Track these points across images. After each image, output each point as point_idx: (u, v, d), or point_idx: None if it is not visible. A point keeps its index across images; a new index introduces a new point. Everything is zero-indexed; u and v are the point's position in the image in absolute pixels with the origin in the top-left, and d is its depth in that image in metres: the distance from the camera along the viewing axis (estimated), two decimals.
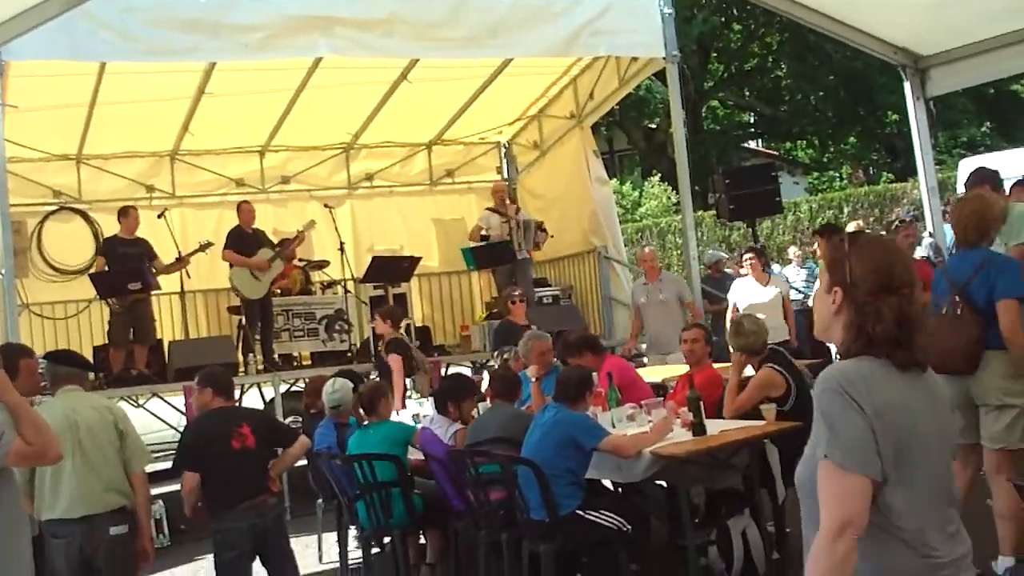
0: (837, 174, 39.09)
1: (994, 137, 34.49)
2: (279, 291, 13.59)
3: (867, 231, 4.15)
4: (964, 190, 8.34)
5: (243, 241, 13.18)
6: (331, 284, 14.75)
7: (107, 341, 12.93)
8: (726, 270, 16.25)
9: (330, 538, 9.60)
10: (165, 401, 12.93)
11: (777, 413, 7.41)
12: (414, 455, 8.21)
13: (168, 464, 9.08)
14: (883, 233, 17.06)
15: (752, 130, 41.12)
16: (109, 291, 12.41)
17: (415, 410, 9.81)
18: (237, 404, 8.35)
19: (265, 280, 13.07)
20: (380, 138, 16.24)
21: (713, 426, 7.30)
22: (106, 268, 12.65)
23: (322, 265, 14.59)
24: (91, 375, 11.83)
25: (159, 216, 13.45)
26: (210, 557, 7.20)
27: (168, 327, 14.03)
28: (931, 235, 12.24)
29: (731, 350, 7.99)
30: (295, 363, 13.84)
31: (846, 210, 26.52)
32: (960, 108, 32.00)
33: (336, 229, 13.98)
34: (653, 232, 27.81)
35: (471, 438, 7.79)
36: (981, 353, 6.37)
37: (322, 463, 8.68)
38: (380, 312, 11.77)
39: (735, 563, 7.12)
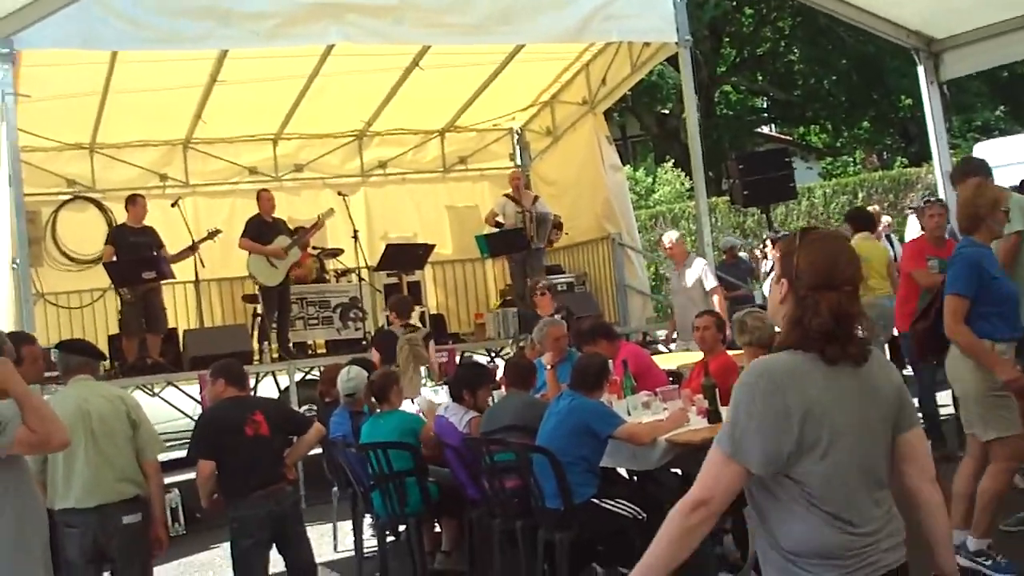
0: (851, 159, 38.99)
1: (1008, 120, 34.37)
2: (294, 279, 13.57)
3: (821, 228, 4.17)
4: (952, 182, 8.23)
5: (261, 229, 13.19)
6: (345, 272, 14.75)
7: (115, 332, 12.96)
8: (741, 255, 16.20)
9: (345, 526, 9.59)
10: (180, 390, 12.93)
11: None
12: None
13: (183, 453, 9.05)
14: (887, 219, 17.00)
15: (765, 115, 41.00)
16: (124, 280, 12.42)
17: (430, 397, 9.79)
18: (251, 394, 8.33)
19: (282, 267, 13.08)
20: (393, 125, 16.23)
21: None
22: (114, 257, 12.63)
23: (336, 253, 14.60)
24: (105, 364, 11.93)
25: (173, 205, 13.48)
26: (226, 545, 7.21)
27: (183, 316, 14.06)
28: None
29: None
30: (309, 351, 13.86)
31: (860, 195, 26.47)
32: (974, 91, 31.87)
33: (350, 217, 13.95)
34: (667, 218, 27.72)
35: (485, 426, 7.77)
36: (940, 344, 6.54)
37: (337, 451, 8.69)
38: (388, 304, 11.73)
39: (750, 551, 7.10)
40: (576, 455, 6.83)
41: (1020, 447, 6.31)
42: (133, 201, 12.95)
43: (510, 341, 13.89)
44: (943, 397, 10.04)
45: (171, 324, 13.65)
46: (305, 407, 12.18)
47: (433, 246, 14.61)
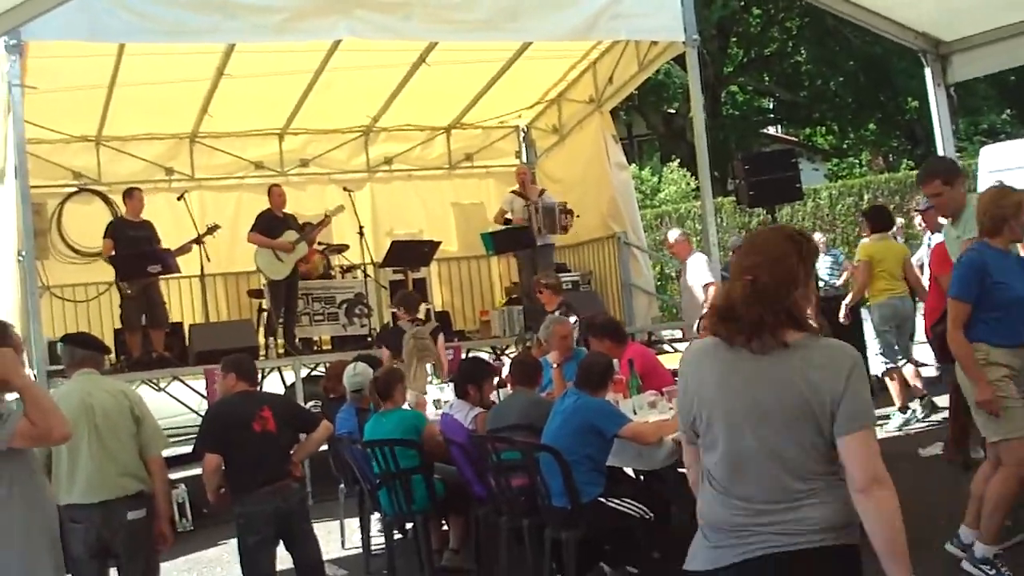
0: (857, 160, 38.98)
1: (1015, 124, 34.37)
2: (301, 275, 13.56)
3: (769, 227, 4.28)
4: (919, 184, 7.97)
5: (271, 224, 13.19)
6: (351, 268, 14.73)
7: (120, 326, 12.96)
8: None
9: (352, 523, 9.59)
10: (186, 385, 12.92)
11: None
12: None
13: (189, 448, 9.06)
14: (900, 220, 16.98)
15: (771, 115, 41.02)
16: (129, 274, 12.40)
17: (436, 395, 9.77)
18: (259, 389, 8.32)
19: (288, 262, 13.07)
20: (399, 121, 16.21)
21: None
22: (113, 251, 12.61)
23: (342, 249, 14.57)
24: (111, 358, 11.94)
25: (178, 198, 13.45)
26: (234, 541, 7.19)
27: (188, 310, 14.06)
28: None
29: None
30: (315, 347, 13.86)
31: (866, 197, 26.46)
32: (981, 94, 31.89)
33: (356, 213, 13.93)
34: (672, 218, 27.72)
35: (491, 424, 7.76)
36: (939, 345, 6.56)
37: (344, 448, 8.67)
38: (394, 300, 11.71)
39: None
40: (582, 454, 6.81)
41: None
42: (130, 195, 12.94)
43: (514, 340, 13.89)
44: None
45: (177, 319, 13.69)
46: (310, 403, 12.17)
47: (439, 243, 14.59)
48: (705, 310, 9.40)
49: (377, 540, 8.98)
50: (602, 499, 6.83)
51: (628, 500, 6.90)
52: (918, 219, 14.51)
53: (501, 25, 11.57)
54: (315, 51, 12.85)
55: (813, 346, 3.43)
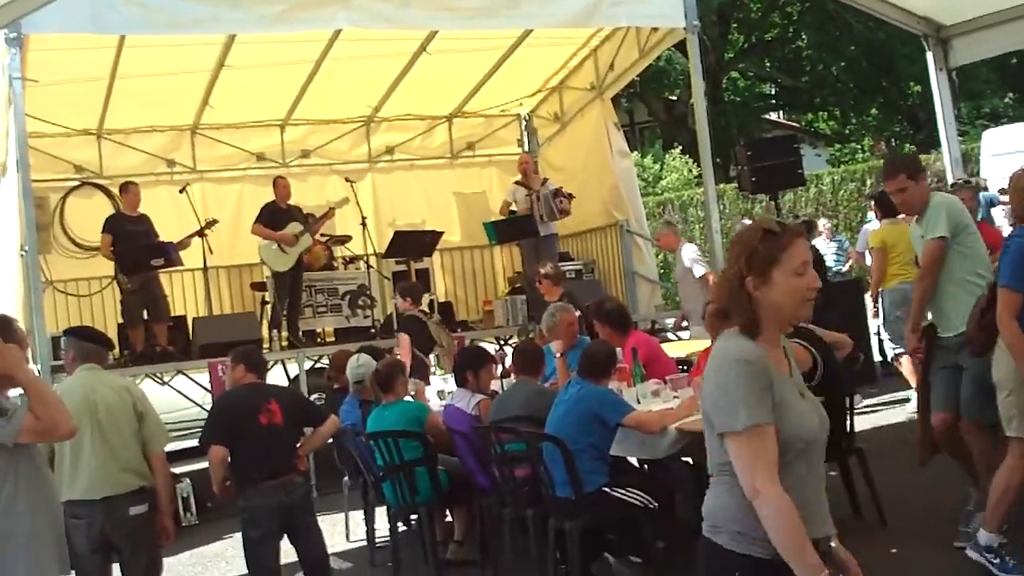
0: (859, 146, 38.91)
1: (1017, 107, 34.30)
2: (304, 266, 13.56)
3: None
4: (880, 182, 7.81)
5: (275, 216, 13.21)
6: (353, 259, 14.73)
7: (121, 321, 12.96)
8: None
9: (357, 516, 9.60)
10: (190, 378, 12.93)
11: None
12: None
13: (194, 442, 9.05)
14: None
15: (773, 101, 40.95)
16: (132, 267, 12.39)
17: (440, 386, 9.77)
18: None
19: (292, 254, 13.07)
20: (400, 111, 16.17)
21: None
22: (112, 247, 12.59)
23: (344, 240, 14.57)
24: (115, 352, 11.93)
25: (180, 191, 13.44)
26: (238, 535, 7.19)
27: (192, 303, 14.06)
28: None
29: None
30: (318, 339, 13.85)
31: (869, 182, 26.40)
32: (983, 78, 31.84)
33: (358, 204, 13.91)
34: (675, 205, 27.70)
35: (494, 415, 7.76)
36: (984, 335, 6.41)
37: (348, 441, 8.67)
38: (399, 289, 11.73)
39: None
40: (585, 443, 6.82)
41: None
42: (126, 189, 12.93)
43: (517, 329, 13.87)
44: None
45: (180, 312, 13.69)
46: (314, 395, 12.17)
47: (441, 233, 14.58)
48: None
49: (381, 532, 8.97)
50: (606, 488, 6.84)
51: (632, 489, 6.89)
52: None
53: (500, 12, 11.53)
54: (316, 41, 12.83)
55: (719, 342, 3.48)
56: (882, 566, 6.66)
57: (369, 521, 9.02)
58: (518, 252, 15.30)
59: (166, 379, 13.10)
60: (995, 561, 6.28)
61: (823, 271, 13.70)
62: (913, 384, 11.27)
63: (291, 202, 13.56)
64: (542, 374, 8.42)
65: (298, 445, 7.19)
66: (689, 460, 7.61)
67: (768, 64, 38.11)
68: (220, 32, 11.74)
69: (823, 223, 18.49)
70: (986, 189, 17.18)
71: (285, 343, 13.00)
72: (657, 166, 32.46)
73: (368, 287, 13.84)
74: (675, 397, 7.50)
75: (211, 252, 13.06)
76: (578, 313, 9.60)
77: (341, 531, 9.82)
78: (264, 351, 12.17)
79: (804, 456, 3.37)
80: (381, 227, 15.50)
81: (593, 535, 6.99)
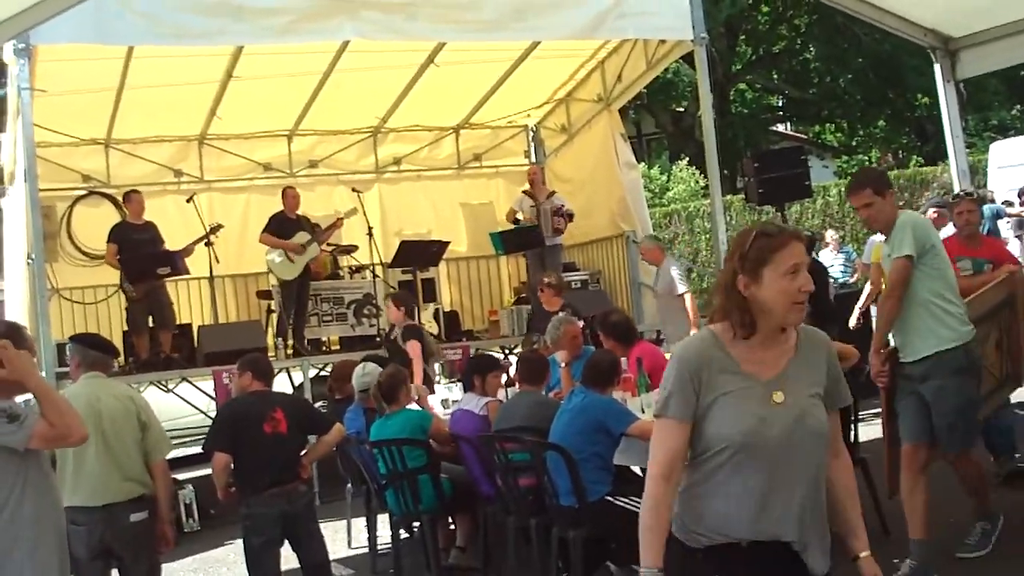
0: (866, 158, 38.89)
1: None
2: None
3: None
4: (849, 195, 7.43)
5: (283, 226, 13.24)
6: (359, 269, 14.75)
7: (127, 329, 13.00)
8: None
9: (359, 523, 9.61)
10: (194, 386, 12.96)
11: None
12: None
13: (198, 449, 9.08)
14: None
15: (780, 113, 40.95)
16: (139, 275, 12.43)
17: (444, 395, 9.80)
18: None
19: (299, 262, 13.10)
20: (408, 122, 16.19)
21: None
22: (118, 256, 12.64)
23: (350, 250, 14.59)
24: (120, 360, 11.97)
25: (188, 200, 13.49)
26: (240, 542, 7.21)
27: (197, 312, 14.10)
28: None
29: None
30: (323, 348, 13.89)
31: None
32: (991, 90, 31.81)
33: (364, 213, 13.95)
34: (681, 216, 27.68)
35: (497, 425, 7.77)
36: None
37: (351, 448, 8.68)
38: (393, 299, 11.69)
39: None
40: (589, 452, 6.82)
41: None
42: (129, 198, 13.02)
43: (521, 340, 13.88)
44: None
45: (186, 320, 13.73)
46: (318, 404, 12.18)
47: (448, 243, 14.61)
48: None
49: (384, 539, 8.98)
50: (610, 498, 6.83)
51: (635, 499, 6.87)
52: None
53: (508, 24, 11.56)
54: (324, 52, 12.86)
55: None
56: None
57: (371, 528, 9.04)
58: (524, 262, 15.32)
59: (171, 386, 13.13)
60: None
61: (825, 285, 13.69)
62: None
63: (299, 212, 13.59)
64: (546, 383, 8.43)
65: (303, 453, 7.21)
66: None
67: (776, 76, 38.10)
68: (227, 44, 11.79)
69: (830, 235, 18.50)
70: (992, 201, 17.19)
71: (290, 351, 13.02)
72: (664, 177, 32.47)
73: (374, 296, 13.87)
74: None
75: (218, 261, 13.10)
76: (580, 323, 9.62)
77: (343, 538, 9.84)
78: (270, 359, 12.24)
79: (742, 459, 3.37)
80: (388, 237, 15.54)
81: (596, 544, 6.99)
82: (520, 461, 7.23)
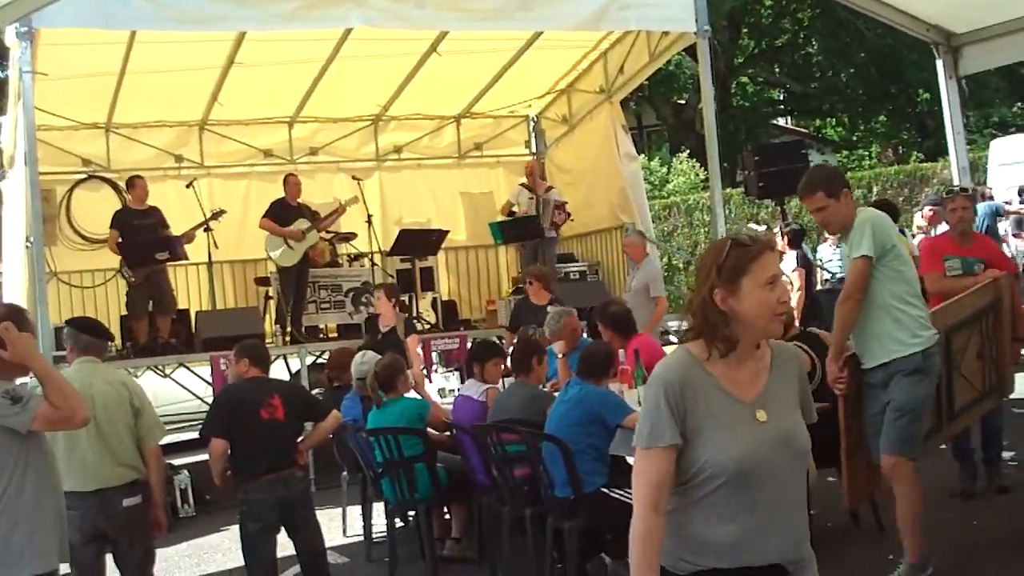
0: (867, 153, 38.88)
1: None
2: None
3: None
4: (800, 197, 6.83)
5: (283, 212, 13.28)
6: (358, 256, 14.77)
7: (125, 313, 13.01)
8: None
9: (355, 511, 9.62)
10: (192, 371, 12.98)
11: None
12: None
13: (194, 434, 9.09)
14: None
15: (782, 107, 40.92)
16: (138, 261, 12.44)
17: (441, 384, 9.81)
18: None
19: (298, 249, 13.12)
20: (409, 110, 16.19)
21: None
22: (119, 240, 12.65)
23: (349, 237, 14.60)
24: (117, 344, 11.98)
25: (187, 186, 13.50)
26: (236, 527, 7.21)
27: (195, 297, 14.11)
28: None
29: None
30: (321, 335, 13.90)
31: (875, 189, 26.37)
32: (992, 87, 31.76)
33: (364, 201, 13.95)
34: (681, 209, 27.68)
35: (492, 417, 7.79)
36: None
37: (347, 436, 8.69)
38: (386, 289, 11.53)
39: None
40: (585, 443, 6.85)
41: None
42: (132, 183, 13.04)
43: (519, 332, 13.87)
44: None
45: (183, 305, 13.75)
46: (315, 391, 12.21)
47: (447, 232, 14.63)
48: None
49: (379, 528, 9.00)
50: (605, 489, 6.85)
51: (631, 490, 6.89)
52: (918, 215, 14.50)
53: (512, 14, 11.53)
54: (326, 39, 12.84)
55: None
56: (879, 572, 6.69)
57: (367, 516, 9.05)
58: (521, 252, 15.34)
59: (168, 371, 13.14)
60: None
61: (811, 281, 13.72)
62: None
63: (299, 200, 13.59)
64: (539, 368, 8.34)
65: (299, 440, 7.22)
66: None
67: (777, 70, 38.09)
68: (230, 30, 11.77)
69: None
70: (992, 198, 17.19)
71: (288, 338, 13.03)
72: (664, 169, 32.47)
73: (372, 284, 13.87)
74: None
75: (216, 247, 13.11)
76: None
77: (338, 526, 9.85)
78: (268, 346, 12.25)
79: (733, 487, 3.24)
80: (387, 225, 15.57)
81: (591, 535, 7.01)
82: (516, 453, 7.24)
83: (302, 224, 13.18)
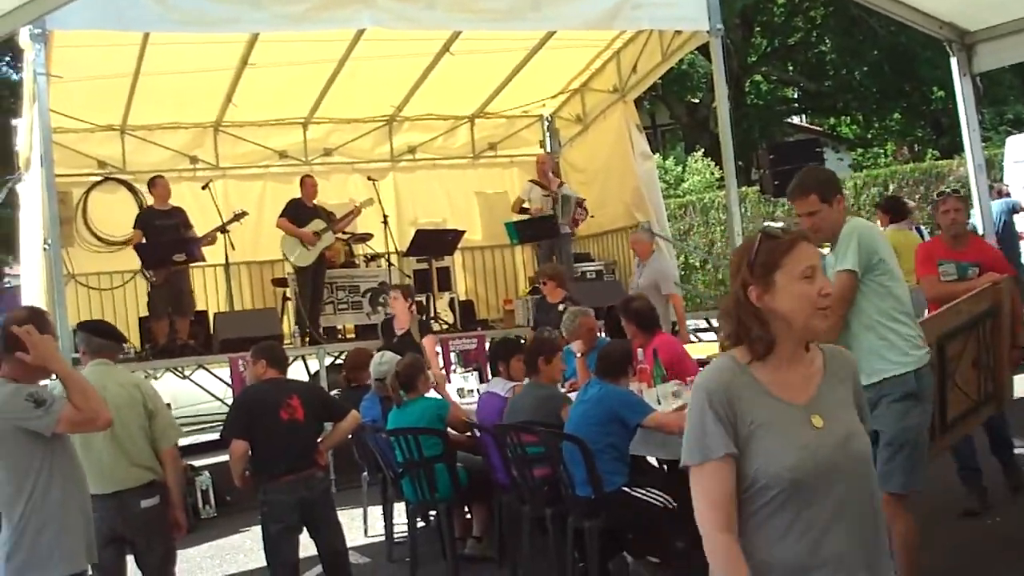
0: (882, 150, 38.78)
1: None
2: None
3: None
4: (791, 199, 6.07)
5: (299, 213, 13.30)
6: (374, 257, 14.78)
7: (146, 314, 13.04)
8: None
9: (375, 511, 9.64)
10: (211, 372, 12.99)
11: None
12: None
13: (214, 435, 9.09)
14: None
15: (796, 105, 40.86)
16: (155, 262, 12.47)
17: (460, 384, 9.81)
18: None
19: (314, 250, 13.14)
20: (423, 111, 16.20)
21: None
22: (143, 240, 12.69)
23: (365, 238, 14.61)
24: (136, 346, 12.00)
25: (203, 187, 13.53)
26: (257, 528, 7.24)
27: (213, 299, 14.12)
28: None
29: None
30: (339, 336, 13.91)
31: (891, 187, 26.30)
32: (1006, 84, 31.64)
33: (379, 202, 13.96)
34: (696, 207, 27.64)
35: (507, 419, 7.78)
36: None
37: (367, 437, 8.70)
38: (402, 290, 11.47)
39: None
40: (605, 443, 6.82)
41: None
42: (154, 183, 13.07)
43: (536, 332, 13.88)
44: None
45: (201, 307, 13.76)
46: (333, 392, 12.22)
47: (463, 232, 14.62)
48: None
49: (400, 528, 9.00)
50: (626, 488, 6.83)
51: (652, 489, 6.88)
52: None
53: (524, 14, 11.53)
54: (339, 40, 12.86)
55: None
56: None
57: (388, 516, 9.05)
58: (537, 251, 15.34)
59: (187, 373, 13.16)
60: None
61: None
62: None
63: (315, 201, 13.61)
64: (556, 365, 8.27)
65: (319, 440, 7.22)
66: None
67: (791, 68, 38.03)
68: (244, 31, 11.81)
69: None
70: (1009, 195, 17.11)
71: (306, 339, 13.04)
72: (679, 168, 32.43)
73: (389, 285, 13.88)
74: None
75: (233, 248, 13.13)
76: None
77: (359, 526, 9.86)
78: (285, 347, 12.27)
79: (787, 496, 3.02)
80: (403, 225, 15.59)
81: (612, 535, 6.99)
82: (535, 454, 7.23)
83: (317, 225, 13.19)
